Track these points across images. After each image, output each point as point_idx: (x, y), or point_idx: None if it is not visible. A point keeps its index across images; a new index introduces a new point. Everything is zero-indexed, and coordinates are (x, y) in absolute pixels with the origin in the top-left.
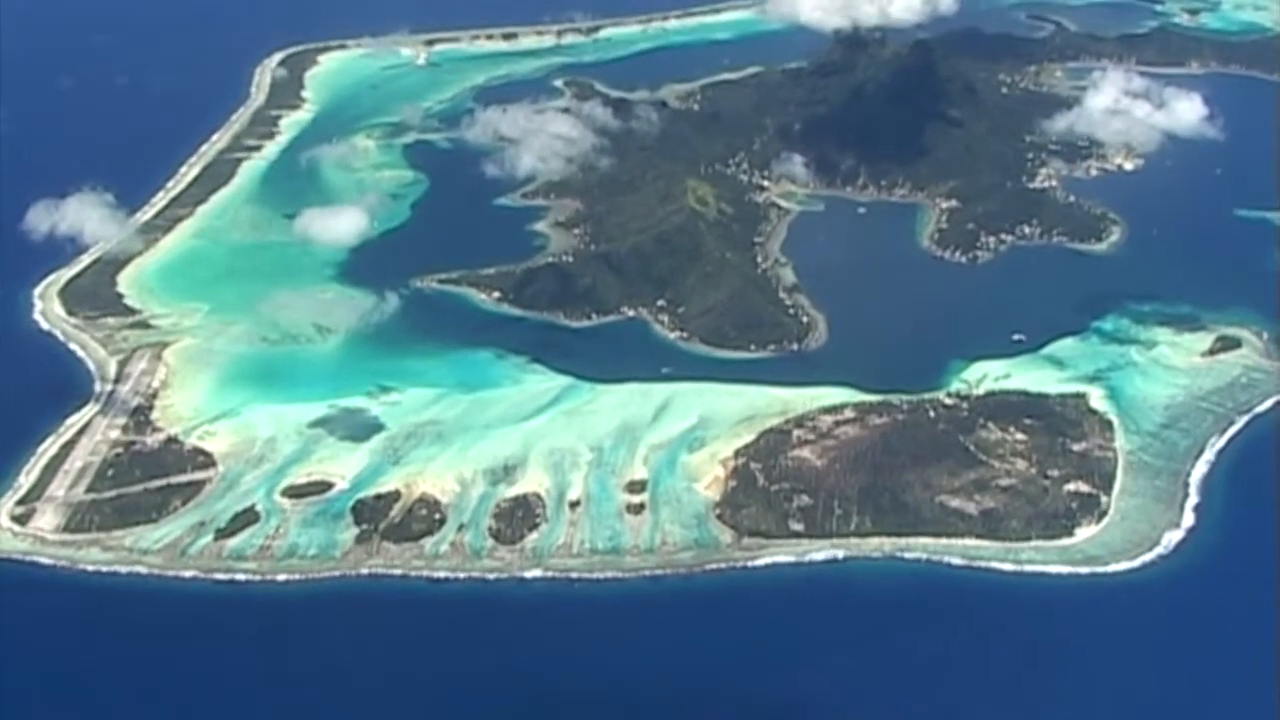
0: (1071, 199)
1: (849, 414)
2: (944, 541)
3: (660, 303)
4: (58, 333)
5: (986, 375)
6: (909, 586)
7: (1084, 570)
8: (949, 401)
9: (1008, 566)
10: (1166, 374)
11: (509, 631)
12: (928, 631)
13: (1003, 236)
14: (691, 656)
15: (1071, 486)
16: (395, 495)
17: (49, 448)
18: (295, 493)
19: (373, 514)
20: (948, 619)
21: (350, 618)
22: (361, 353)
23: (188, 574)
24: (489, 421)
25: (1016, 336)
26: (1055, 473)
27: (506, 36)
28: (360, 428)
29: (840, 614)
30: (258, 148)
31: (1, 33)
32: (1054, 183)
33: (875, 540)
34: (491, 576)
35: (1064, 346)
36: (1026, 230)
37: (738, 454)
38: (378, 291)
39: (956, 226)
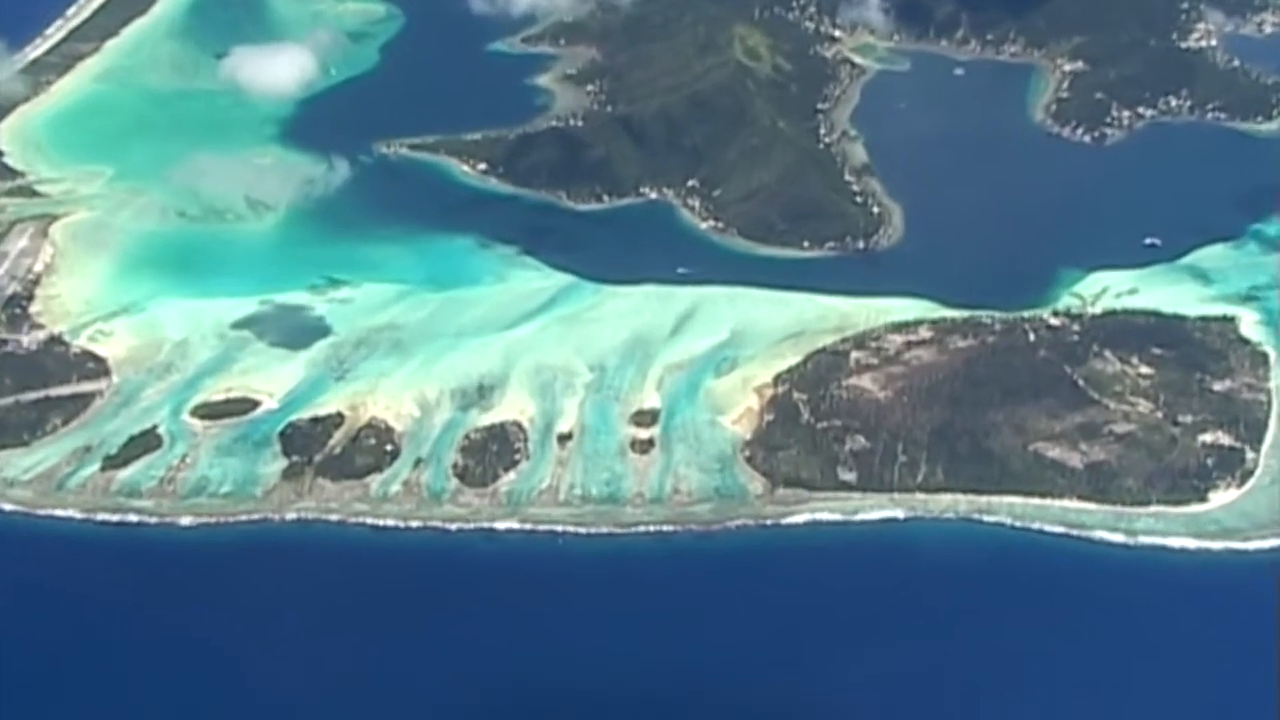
0: (1234, 63)
1: (924, 334)
2: (1037, 502)
3: (691, 183)
4: None
5: (1107, 289)
6: (988, 557)
7: (1217, 546)
8: (1055, 322)
9: (1118, 537)
10: None
11: (473, 597)
12: (1010, 617)
13: (1140, 110)
14: (704, 637)
15: (1208, 437)
16: (337, 419)
17: None
18: (209, 412)
19: (307, 442)
20: (1037, 602)
21: (271, 573)
22: (305, 235)
23: (65, 512)
24: (463, 328)
25: (1150, 241)
26: (1188, 419)
27: None
28: (298, 331)
29: (896, 589)
30: None
31: None
32: (1212, 41)
33: (948, 497)
34: (454, 527)
35: (1211, 255)
36: (1173, 103)
37: (778, 380)
38: (330, 158)
39: (1081, 95)
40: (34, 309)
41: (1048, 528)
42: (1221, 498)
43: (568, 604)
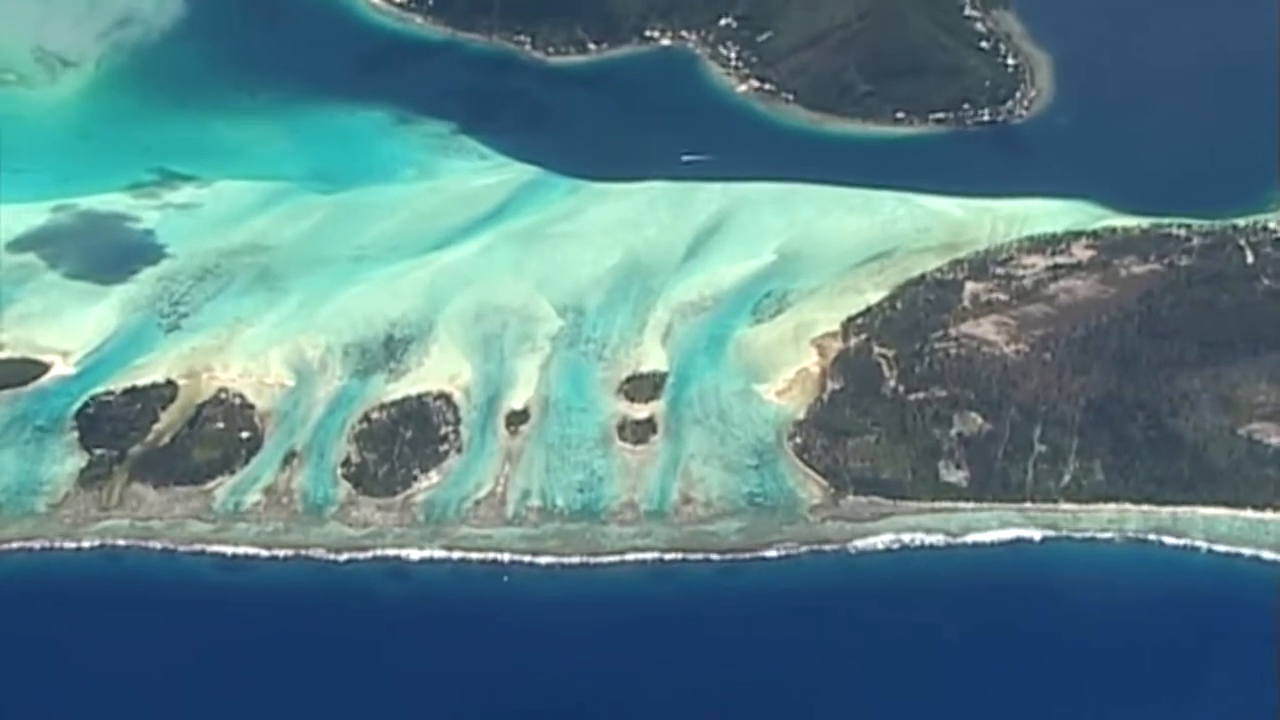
0: None
1: (1080, 253)
2: (1250, 515)
3: (724, 22)
4: None
5: None
6: (1174, 599)
7: None
8: None
9: None
10: None
11: (371, 664)
12: (1207, 690)
13: None
14: None
15: None
16: (167, 392)
17: None
18: None
19: (118, 428)
20: (1249, 666)
21: (58, 629)
22: (125, 106)
23: None
24: (364, 248)
25: None
26: None
27: None
28: (110, 255)
29: (1031, 650)
30: None
31: None
32: None
33: (1111, 508)
34: (343, 558)
35: None
36: None
37: (849, 327)
38: None
39: None
40: None
41: (1267, 554)
42: None
43: (517, 674)
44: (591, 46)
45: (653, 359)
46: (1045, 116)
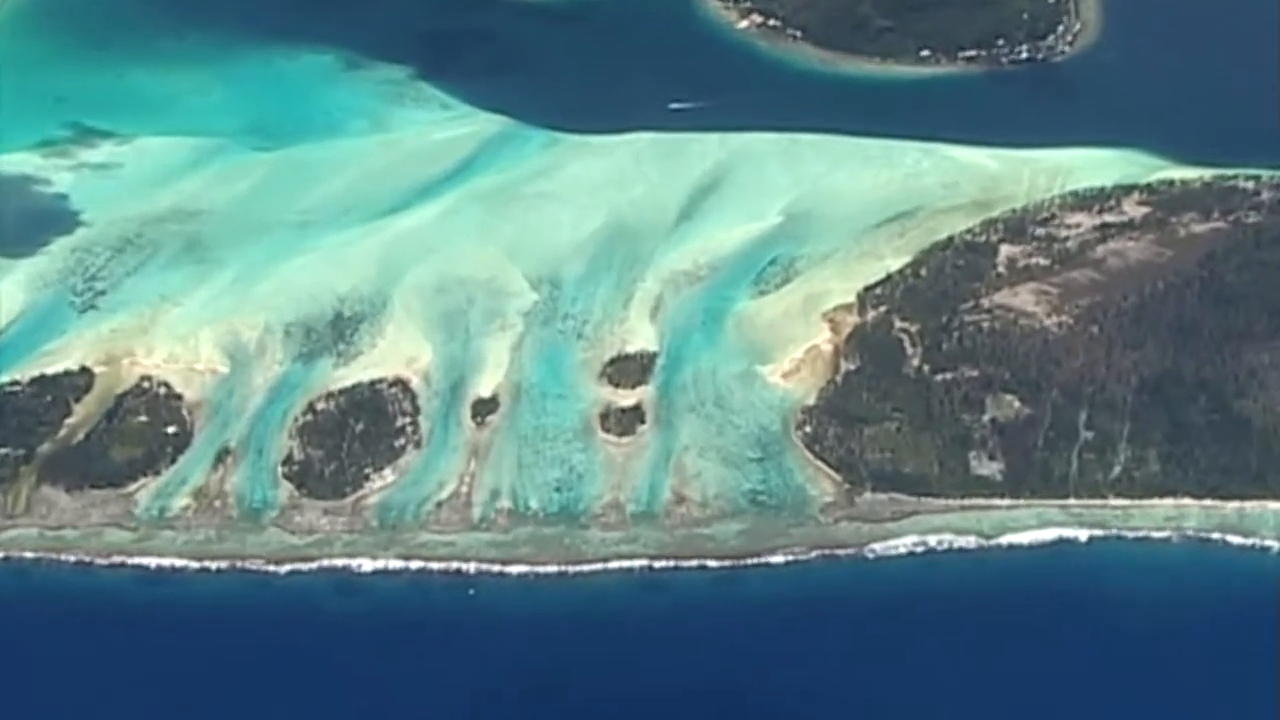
0: None
1: (1131, 210)
2: None
3: None
4: None
5: None
6: (1242, 608)
7: None
8: None
9: None
10: None
11: (317, 693)
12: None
13: None
14: None
15: None
16: (81, 381)
17: None
18: None
19: (25, 423)
20: None
21: None
22: (33, 51)
23: None
24: (309, 213)
25: None
26: None
27: None
28: (18, 222)
29: (1078, 670)
30: None
31: None
32: None
33: (1168, 503)
34: (285, 569)
35: None
36: None
37: (865, 299)
38: None
39: None
40: None
41: None
42: None
43: (485, 701)
44: None
45: (640, 337)
46: (1091, 53)
